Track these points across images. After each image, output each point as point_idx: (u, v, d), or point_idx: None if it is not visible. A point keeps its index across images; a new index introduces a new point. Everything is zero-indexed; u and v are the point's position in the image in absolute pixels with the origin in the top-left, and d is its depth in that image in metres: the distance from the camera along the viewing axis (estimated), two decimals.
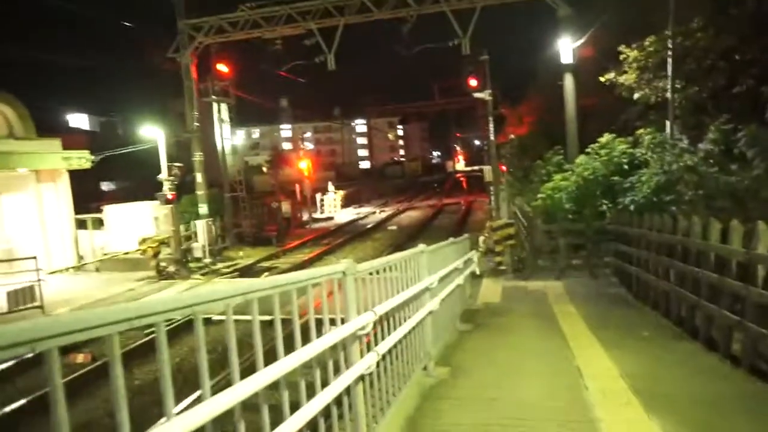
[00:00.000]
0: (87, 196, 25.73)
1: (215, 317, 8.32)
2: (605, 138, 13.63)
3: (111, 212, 17.99)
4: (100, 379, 8.06)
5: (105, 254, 17.26)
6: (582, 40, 15.70)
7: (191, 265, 16.92)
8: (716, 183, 9.72)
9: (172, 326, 8.92)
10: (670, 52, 12.01)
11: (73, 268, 17.01)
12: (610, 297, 9.49)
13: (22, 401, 7.14)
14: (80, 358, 9.04)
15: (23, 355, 1.23)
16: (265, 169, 46.44)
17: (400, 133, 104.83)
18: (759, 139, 9.45)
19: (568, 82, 16.09)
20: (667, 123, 12.26)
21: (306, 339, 2.62)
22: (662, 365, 5.48)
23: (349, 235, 23.86)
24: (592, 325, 7.06)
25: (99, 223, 17.95)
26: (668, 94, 12.23)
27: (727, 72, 11.89)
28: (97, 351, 9.20)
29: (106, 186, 40.87)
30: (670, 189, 10.58)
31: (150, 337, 9.28)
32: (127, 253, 16.66)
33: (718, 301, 5.71)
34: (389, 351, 3.80)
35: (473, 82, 15.56)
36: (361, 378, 3.15)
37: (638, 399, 4.30)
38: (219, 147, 22.46)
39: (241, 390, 1.89)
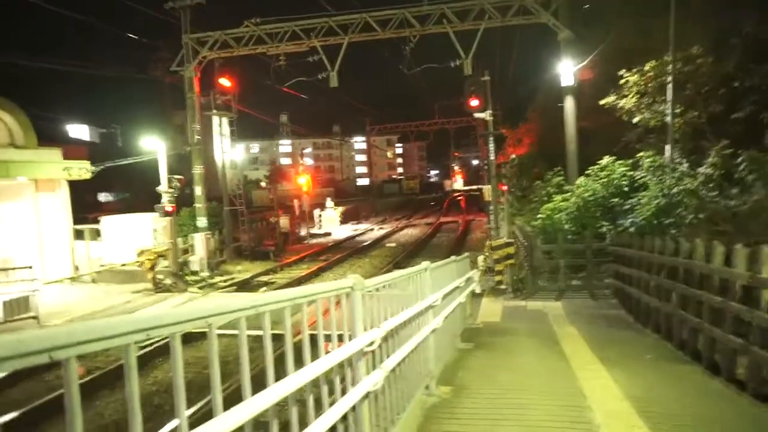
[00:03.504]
0: (85, 206, 25.69)
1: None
2: (605, 160, 13.71)
3: (109, 223, 17.91)
4: (95, 392, 7.96)
5: (102, 265, 17.15)
6: (583, 63, 15.86)
7: (188, 278, 16.81)
8: (717, 206, 9.75)
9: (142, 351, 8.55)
10: (670, 78, 12.12)
11: (69, 278, 16.89)
12: (610, 318, 9.45)
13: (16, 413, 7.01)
14: None
15: (40, 363, 1.19)
16: (263, 184, 46.47)
17: (399, 151, 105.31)
18: (759, 163, 9.49)
19: (569, 104, 16.22)
20: (667, 147, 12.34)
21: (312, 353, 2.58)
22: (666, 388, 5.43)
23: (347, 252, 23.78)
24: (593, 347, 7.00)
25: (96, 234, 17.85)
26: (668, 119, 12.33)
27: (726, 98, 12.00)
28: (90, 364, 9.06)
29: (104, 197, 40.81)
30: (670, 212, 10.60)
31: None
32: (124, 265, 16.56)
33: (721, 324, 5.69)
34: (393, 369, 3.75)
35: (474, 102, 15.67)
36: (367, 396, 3.10)
37: (644, 421, 4.24)
38: (219, 161, 22.48)
39: (252, 407, 1.85)
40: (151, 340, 8.62)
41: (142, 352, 9.17)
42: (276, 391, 2.05)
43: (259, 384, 2.14)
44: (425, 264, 5.22)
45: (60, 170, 16.74)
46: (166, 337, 1.62)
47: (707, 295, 6.01)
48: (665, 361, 6.55)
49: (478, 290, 10.75)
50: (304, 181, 35.19)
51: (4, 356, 1.05)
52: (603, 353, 6.62)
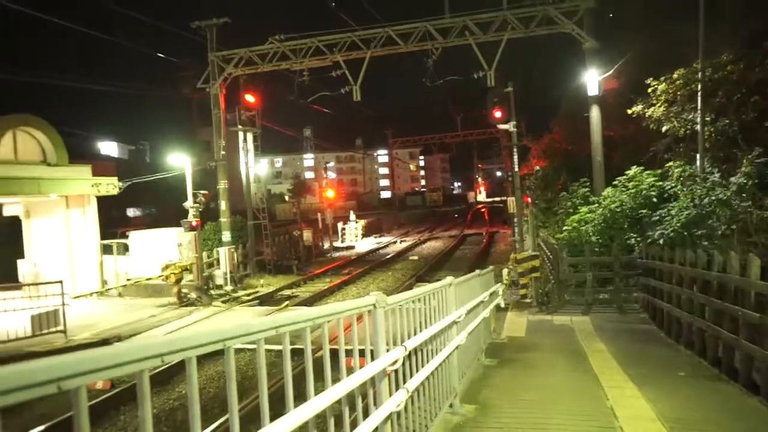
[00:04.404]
0: (113, 221, 26.22)
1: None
2: (633, 170, 13.42)
3: (136, 238, 18.21)
4: (120, 406, 8.02)
5: (128, 279, 17.40)
6: (609, 73, 15.63)
7: (212, 291, 16.95)
8: (750, 217, 9.45)
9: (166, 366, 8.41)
10: (699, 85, 11.85)
11: (97, 293, 17.17)
12: (640, 334, 9.18)
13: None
14: (99, 384, 8.99)
15: (47, 394, 1.14)
16: (287, 198, 46.87)
17: (422, 163, 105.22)
18: None
19: (595, 114, 15.96)
20: (697, 156, 12.04)
21: (333, 370, 2.52)
22: (701, 408, 5.21)
23: (369, 265, 23.72)
24: (623, 364, 6.79)
25: (124, 249, 18.16)
26: (698, 127, 12.04)
27: (759, 105, 11.69)
28: (116, 377, 9.14)
29: (132, 212, 41.61)
30: (701, 223, 10.30)
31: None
32: (149, 279, 16.78)
33: (759, 341, 5.45)
34: (416, 388, 3.67)
35: (498, 114, 15.57)
36: (389, 417, 3.02)
37: None
38: (243, 175, 22.73)
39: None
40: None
41: (166, 366, 9.23)
42: (296, 416, 2.00)
43: (280, 400, 2.10)
44: (449, 279, 5.13)
45: (89, 186, 17.11)
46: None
47: (743, 310, 5.78)
48: (699, 378, 6.31)
49: (502, 304, 10.56)
50: (327, 195, 35.35)
51: (9, 388, 1.01)
52: (633, 370, 6.40)
